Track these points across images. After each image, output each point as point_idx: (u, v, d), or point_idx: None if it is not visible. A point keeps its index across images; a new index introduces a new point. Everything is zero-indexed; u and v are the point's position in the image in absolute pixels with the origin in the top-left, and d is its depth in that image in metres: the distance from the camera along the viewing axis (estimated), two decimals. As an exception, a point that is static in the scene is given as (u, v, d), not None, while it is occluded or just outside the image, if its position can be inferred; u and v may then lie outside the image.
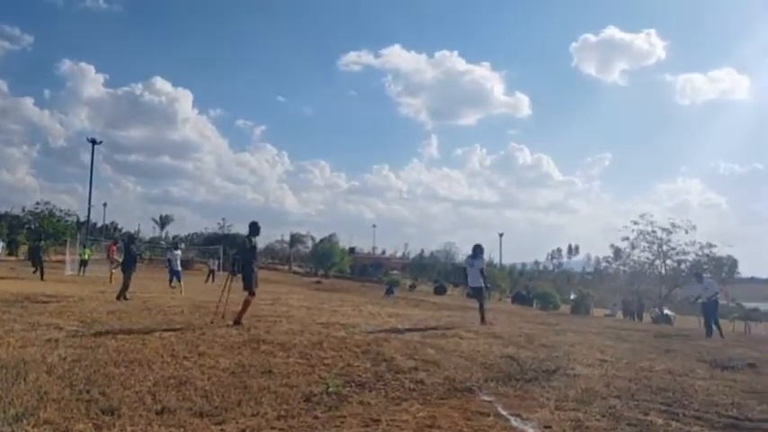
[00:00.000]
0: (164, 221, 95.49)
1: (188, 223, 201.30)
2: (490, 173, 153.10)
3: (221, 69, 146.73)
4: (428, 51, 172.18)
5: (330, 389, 6.01)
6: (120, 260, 19.29)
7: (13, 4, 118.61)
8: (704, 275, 18.19)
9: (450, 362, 7.90)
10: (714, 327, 16.33)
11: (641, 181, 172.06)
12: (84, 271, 31.83)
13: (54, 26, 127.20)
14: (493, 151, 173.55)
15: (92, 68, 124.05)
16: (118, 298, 14.95)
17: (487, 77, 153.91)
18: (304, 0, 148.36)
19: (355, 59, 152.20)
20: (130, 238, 17.72)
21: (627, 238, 43.00)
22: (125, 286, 15.62)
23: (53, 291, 15.08)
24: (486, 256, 14.10)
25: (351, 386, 6.26)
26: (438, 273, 69.91)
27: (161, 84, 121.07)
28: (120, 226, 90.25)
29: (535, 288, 56.65)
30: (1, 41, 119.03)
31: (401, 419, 5.09)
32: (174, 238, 51.03)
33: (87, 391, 5.42)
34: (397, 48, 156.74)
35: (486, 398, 6.04)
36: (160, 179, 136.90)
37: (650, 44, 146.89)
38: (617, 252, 45.12)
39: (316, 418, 5.06)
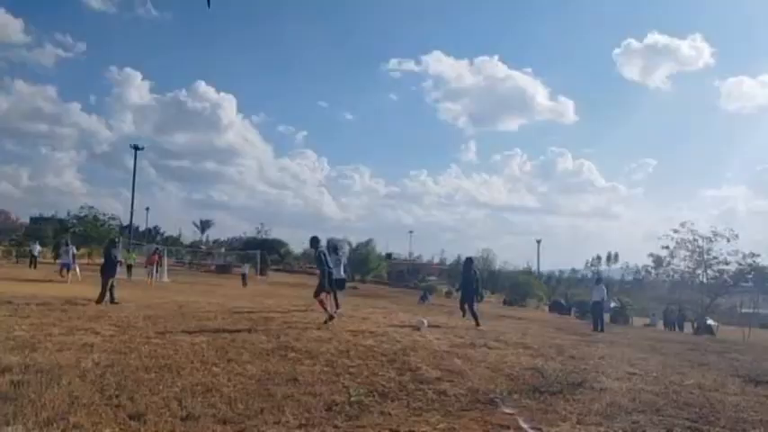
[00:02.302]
0: (204, 225, 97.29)
1: (228, 227, 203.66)
2: (530, 178, 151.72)
3: (265, 74, 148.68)
4: (469, 57, 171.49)
5: (353, 398, 6.07)
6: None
7: (68, 12, 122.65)
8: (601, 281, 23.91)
9: (476, 372, 7.91)
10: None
11: (686, 187, 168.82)
12: (130, 275, 32.73)
13: (106, 34, 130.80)
14: (533, 157, 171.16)
15: (138, 75, 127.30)
16: (98, 302, 14.83)
17: (529, 83, 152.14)
18: (348, 8, 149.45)
19: (396, 66, 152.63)
20: (111, 243, 17.84)
21: (666, 247, 42.06)
22: (104, 291, 15.31)
23: (93, 294, 15.46)
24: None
25: (373, 396, 6.31)
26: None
27: (205, 89, 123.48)
28: (162, 230, 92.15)
29: (573, 296, 55.94)
30: (54, 49, 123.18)
31: (420, 430, 5.13)
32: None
33: (117, 397, 5.58)
34: (437, 54, 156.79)
35: (508, 410, 6.02)
36: (202, 184, 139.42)
37: (696, 48, 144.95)
38: (657, 260, 44.12)
39: (336, 427, 5.13)
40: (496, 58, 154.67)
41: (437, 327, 13.85)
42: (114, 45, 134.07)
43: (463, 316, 16.04)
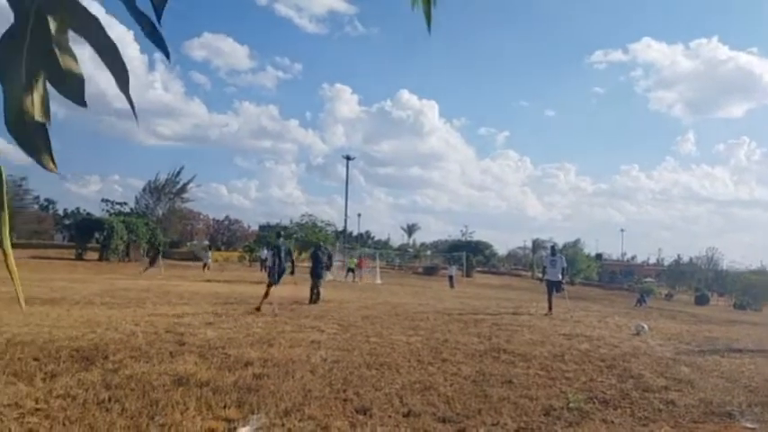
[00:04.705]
0: (411, 229, 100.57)
1: (433, 230, 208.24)
2: (762, 168, 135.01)
3: (465, 78, 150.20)
4: (683, 41, 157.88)
5: (571, 404, 5.90)
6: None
7: (286, 37, 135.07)
8: None
9: (708, 382, 7.27)
10: None
11: None
12: (353, 277, 35.31)
13: (319, 53, 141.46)
14: (765, 144, 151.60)
15: (348, 89, 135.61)
16: (310, 303, 15.96)
17: (756, 63, 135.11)
18: (545, 3, 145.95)
19: (601, 57, 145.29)
20: (318, 248, 18.95)
21: None
22: (314, 292, 16.48)
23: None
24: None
25: (593, 402, 6.08)
26: (699, 281, 63.81)
27: (408, 97, 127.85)
28: (372, 234, 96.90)
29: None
30: (275, 71, 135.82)
31: (648, 442, 4.84)
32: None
33: (344, 391, 5.99)
34: (646, 41, 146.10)
35: (749, 425, 5.47)
36: (408, 189, 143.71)
37: None
38: None
39: (555, 432, 5.03)
40: (715, 39, 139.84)
41: (659, 332, 12.96)
42: (326, 63, 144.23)
43: None
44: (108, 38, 0.91)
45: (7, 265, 0.90)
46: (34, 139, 0.91)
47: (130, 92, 0.94)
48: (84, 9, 0.91)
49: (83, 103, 0.95)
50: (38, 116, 0.91)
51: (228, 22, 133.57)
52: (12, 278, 0.90)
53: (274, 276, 14.17)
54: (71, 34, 0.93)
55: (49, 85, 0.91)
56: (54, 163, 0.94)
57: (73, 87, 0.94)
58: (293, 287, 17.55)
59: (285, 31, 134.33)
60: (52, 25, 0.90)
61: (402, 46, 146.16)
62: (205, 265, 35.56)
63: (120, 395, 5.38)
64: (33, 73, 0.89)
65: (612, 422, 5.41)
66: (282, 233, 17.32)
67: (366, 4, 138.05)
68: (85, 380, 5.90)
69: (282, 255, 14.36)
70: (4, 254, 0.89)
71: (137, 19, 0.92)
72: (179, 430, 4.56)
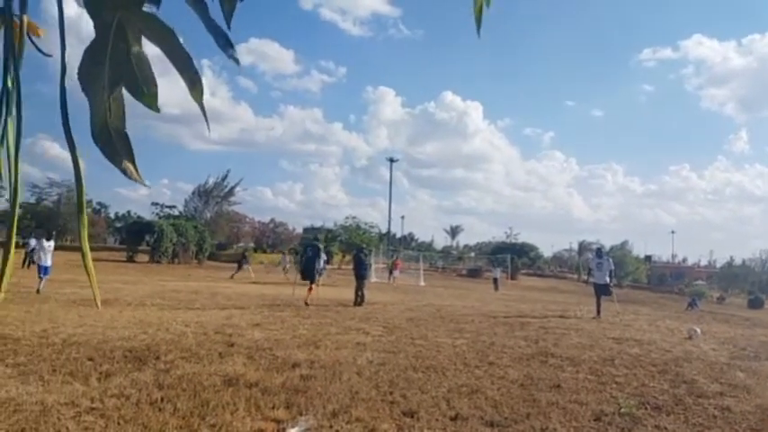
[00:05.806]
0: (454, 231, 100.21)
1: (476, 232, 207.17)
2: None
3: (509, 79, 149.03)
4: (736, 37, 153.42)
5: (623, 409, 5.79)
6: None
7: (331, 41, 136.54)
8: None
9: (765, 388, 7.04)
10: None
11: None
12: (392, 278, 35.67)
13: (363, 56, 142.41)
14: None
15: (392, 92, 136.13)
16: (355, 305, 16.03)
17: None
18: (593, 1, 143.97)
19: (650, 55, 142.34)
20: (360, 250, 19.04)
21: None
22: (358, 294, 16.61)
23: (367, 298, 16.76)
24: None
25: (645, 408, 5.94)
26: (752, 284, 61.76)
27: (452, 98, 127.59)
28: (416, 236, 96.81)
29: None
30: (319, 75, 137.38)
31: (703, 449, 4.71)
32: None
33: (390, 393, 5.99)
34: (697, 37, 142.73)
35: (811, 434, 5.28)
36: (451, 191, 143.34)
37: None
38: None
39: (606, 438, 4.94)
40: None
41: (712, 336, 12.60)
42: (370, 66, 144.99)
43: None
44: (182, 48, 0.95)
45: (85, 266, 0.94)
46: (119, 149, 0.95)
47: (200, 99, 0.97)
48: (161, 21, 0.94)
49: (157, 109, 0.99)
50: (119, 126, 0.95)
51: (274, 28, 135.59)
52: (89, 278, 0.94)
53: (308, 276, 16.14)
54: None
55: (125, 92, 0.96)
56: (138, 172, 0.98)
57: (149, 94, 0.97)
58: (336, 289, 17.66)
59: (330, 34, 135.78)
60: (130, 36, 0.94)
61: (446, 48, 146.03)
62: (285, 268, 34.72)
63: (172, 395, 5.50)
64: (114, 83, 0.93)
65: (666, 428, 5.29)
66: (314, 241, 19.56)
67: (410, 7, 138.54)
68: (138, 380, 6.06)
69: (305, 258, 16.41)
70: (83, 255, 0.92)
71: (209, 27, 0.95)
72: (229, 431, 4.63)
